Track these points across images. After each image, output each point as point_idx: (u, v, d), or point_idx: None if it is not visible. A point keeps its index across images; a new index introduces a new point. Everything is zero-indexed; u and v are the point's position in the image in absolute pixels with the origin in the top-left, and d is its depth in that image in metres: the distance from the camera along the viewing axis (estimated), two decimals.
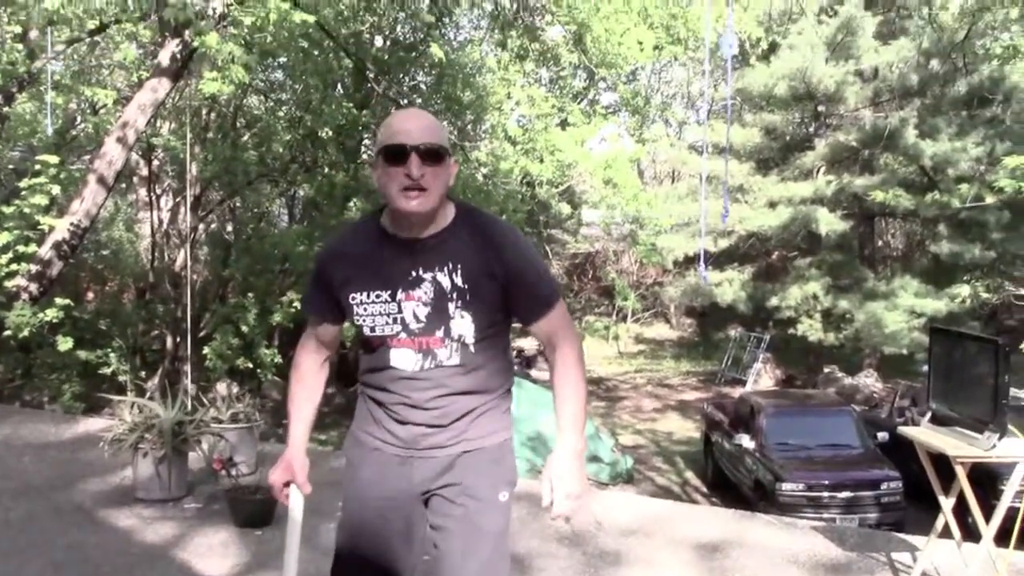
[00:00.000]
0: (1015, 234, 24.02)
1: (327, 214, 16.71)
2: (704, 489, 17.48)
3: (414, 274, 2.70)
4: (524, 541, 5.09)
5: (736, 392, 23.00)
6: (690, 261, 27.49)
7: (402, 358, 2.75)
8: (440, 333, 2.72)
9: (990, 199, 8.78)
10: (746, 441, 15.65)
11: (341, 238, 2.89)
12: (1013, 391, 18.94)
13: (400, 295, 2.72)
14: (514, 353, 30.50)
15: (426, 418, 2.78)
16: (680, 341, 36.40)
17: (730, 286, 26.90)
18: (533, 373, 26.62)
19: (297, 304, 14.69)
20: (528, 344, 31.03)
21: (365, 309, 2.75)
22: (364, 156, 18.44)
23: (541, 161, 16.84)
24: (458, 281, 2.70)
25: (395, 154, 2.61)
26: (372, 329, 2.75)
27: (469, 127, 19.40)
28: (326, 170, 17.27)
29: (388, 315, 2.74)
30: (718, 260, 27.95)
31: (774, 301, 26.09)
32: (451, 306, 2.70)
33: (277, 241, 17.10)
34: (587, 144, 18.00)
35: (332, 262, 2.81)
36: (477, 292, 2.70)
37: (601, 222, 23.43)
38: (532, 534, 5.21)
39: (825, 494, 14.31)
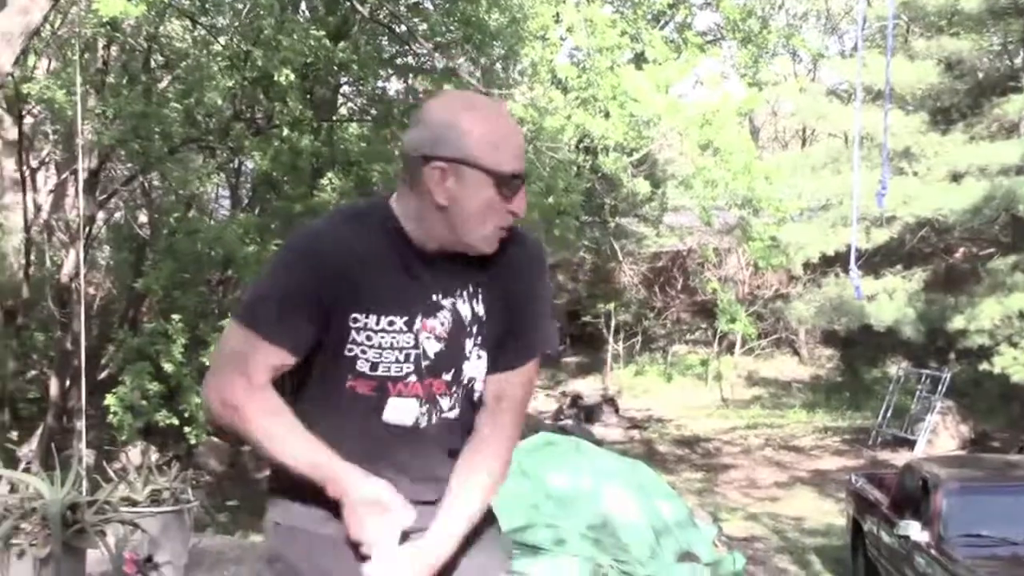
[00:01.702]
0: None
1: (288, 196, 16.84)
2: None
3: (433, 298, 2.92)
4: None
5: (900, 459, 22.90)
6: (830, 263, 27.46)
7: (401, 409, 2.92)
8: (448, 376, 2.95)
9: None
10: (915, 532, 15.61)
11: (344, 227, 2.96)
12: None
13: (417, 324, 2.90)
14: (568, 400, 30.61)
15: (414, 491, 2.95)
16: (815, 383, 36.36)
17: (891, 300, 26.85)
18: (596, 430, 26.70)
19: None
20: (587, 388, 31.13)
21: (369, 339, 2.87)
22: (342, 110, 18.54)
23: (606, 116, 16.87)
24: (478, 309, 2.97)
25: (509, 183, 2.87)
26: (374, 367, 2.88)
27: (499, 66, 19.49)
28: (285, 131, 17.34)
29: (401, 350, 2.90)
30: (872, 261, 27.91)
31: (959, 322, 25.99)
32: (468, 342, 2.97)
33: (215, 237, 17.15)
34: (675, 90, 18.00)
35: (337, 261, 2.87)
36: (494, 324, 2.99)
37: (696, 206, 23.42)
38: None
39: None
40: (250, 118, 18.01)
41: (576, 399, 30.72)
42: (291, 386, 2.95)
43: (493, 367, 3.03)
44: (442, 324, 2.90)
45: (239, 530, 17.00)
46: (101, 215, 19.40)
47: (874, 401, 30.82)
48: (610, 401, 30.52)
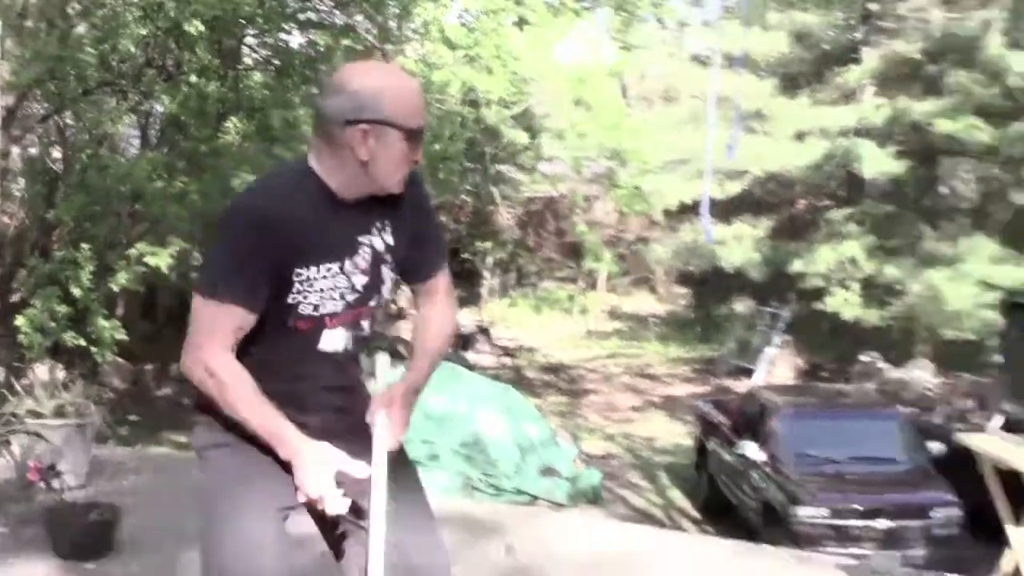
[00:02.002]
0: None
1: (195, 137, 16.58)
2: (694, 513, 17.68)
3: (357, 239, 3.18)
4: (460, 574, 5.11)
5: (742, 386, 23.21)
6: (686, 211, 27.61)
7: (333, 338, 3.18)
8: (372, 302, 3.25)
9: None
10: (753, 451, 15.82)
11: (284, 195, 3.11)
12: None
13: (348, 265, 3.16)
14: None
15: (337, 401, 3.29)
16: (670, 318, 36.63)
17: (739, 245, 27.11)
18: (471, 357, 26.72)
19: (151, 261, 14.52)
20: (464, 319, 31.08)
21: (311, 286, 3.10)
22: (247, 60, 18.25)
23: (490, 72, 16.79)
24: (388, 240, 3.24)
25: (416, 136, 3.14)
26: (315, 308, 3.12)
27: (393, 24, 19.29)
28: (194, 78, 17.08)
29: (336, 289, 3.14)
30: (724, 210, 28.10)
31: (798, 266, 26.34)
32: (384, 268, 3.25)
33: (125, 173, 16.83)
34: (553, 51, 17.95)
35: (282, 226, 3.04)
36: (401, 248, 3.27)
37: (569, 157, 23.43)
38: (471, 566, 5.23)
39: (856, 523, 14.54)
40: (161, 65, 17.65)
41: None
42: None
43: (416, 279, 3.37)
44: (364, 259, 3.15)
45: (138, 443, 16.82)
46: (16, 151, 18.96)
47: (721, 335, 31.15)
48: (484, 331, 30.52)
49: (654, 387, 27.58)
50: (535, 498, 15.16)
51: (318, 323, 3.12)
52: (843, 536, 14.39)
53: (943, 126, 15.34)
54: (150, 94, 17.89)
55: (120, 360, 17.19)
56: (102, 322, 15.34)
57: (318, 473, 3.04)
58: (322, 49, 16.88)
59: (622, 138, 18.78)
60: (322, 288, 3.10)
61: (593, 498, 16.75)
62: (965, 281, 24.04)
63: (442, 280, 3.41)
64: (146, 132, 22.10)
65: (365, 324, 3.23)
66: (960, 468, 15.61)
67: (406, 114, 3.12)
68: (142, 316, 22.56)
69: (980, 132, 21.31)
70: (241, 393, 3.05)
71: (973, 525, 14.01)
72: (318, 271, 3.08)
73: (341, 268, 3.13)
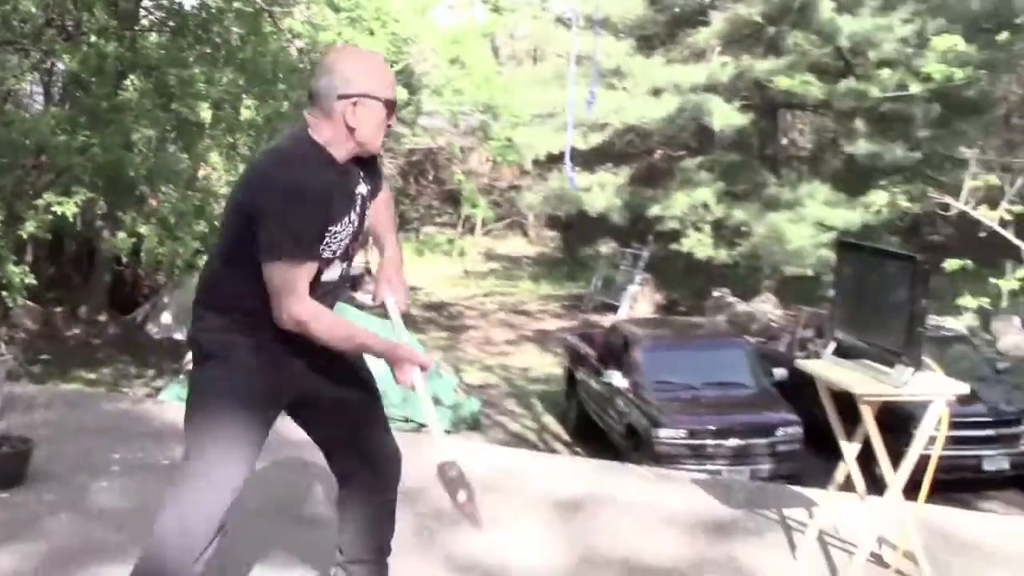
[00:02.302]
0: (945, 132, 24.89)
1: (95, 95, 16.23)
2: (566, 437, 17.84)
3: (353, 191, 3.58)
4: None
5: (607, 320, 23.40)
6: (553, 160, 27.67)
7: (334, 270, 3.57)
8: (361, 237, 3.68)
9: (915, 88, 9.07)
10: (617, 379, 15.98)
11: (315, 169, 3.47)
12: (936, 319, 19.80)
13: (352, 214, 3.56)
14: None
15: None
16: (540, 258, 36.79)
17: (602, 191, 27.25)
18: (359, 296, 26.57)
19: (58, 209, 14.22)
20: (353, 262, 30.87)
21: (335, 237, 3.50)
22: (143, 21, 17.88)
23: (371, 33, 16.62)
24: (368, 187, 3.68)
25: (391, 105, 3.56)
26: (333, 252, 3.52)
27: None
28: (93, 38, 16.69)
29: (345, 234, 3.55)
30: (588, 160, 28.23)
31: (655, 210, 26.56)
32: (366, 210, 3.68)
33: (29, 128, 16.46)
34: (430, 14, 17.83)
35: (323, 196, 3.43)
36: (374, 192, 3.75)
37: (446, 111, 23.33)
38: None
39: (710, 442, 14.79)
40: (61, 25, 17.23)
41: None
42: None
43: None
44: (358, 206, 3.59)
45: (50, 380, 16.57)
46: None
47: (588, 274, 31.31)
48: (371, 272, 30.41)
49: (527, 322, 27.70)
50: (421, 425, 15.19)
51: (332, 260, 3.53)
52: (699, 454, 14.64)
53: (782, 83, 15.62)
54: (51, 53, 17.47)
55: (30, 303, 16.84)
56: (12, 268, 14.98)
57: (416, 355, 3.54)
58: (214, 11, 16.52)
59: (494, 94, 18.75)
60: (340, 237, 3.51)
61: (473, 424, 16.84)
62: (803, 223, 24.47)
63: (384, 194, 3.90)
64: (49, 89, 21.58)
65: (352, 254, 3.66)
66: (800, 391, 15.98)
67: (383, 87, 3.55)
68: (50, 262, 22.16)
69: (814, 88, 21.57)
70: (340, 327, 3.50)
71: (812, 441, 14.33)
72: (340, 225, 3.49)
73: (349, 219, 3.53)
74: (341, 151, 3.53)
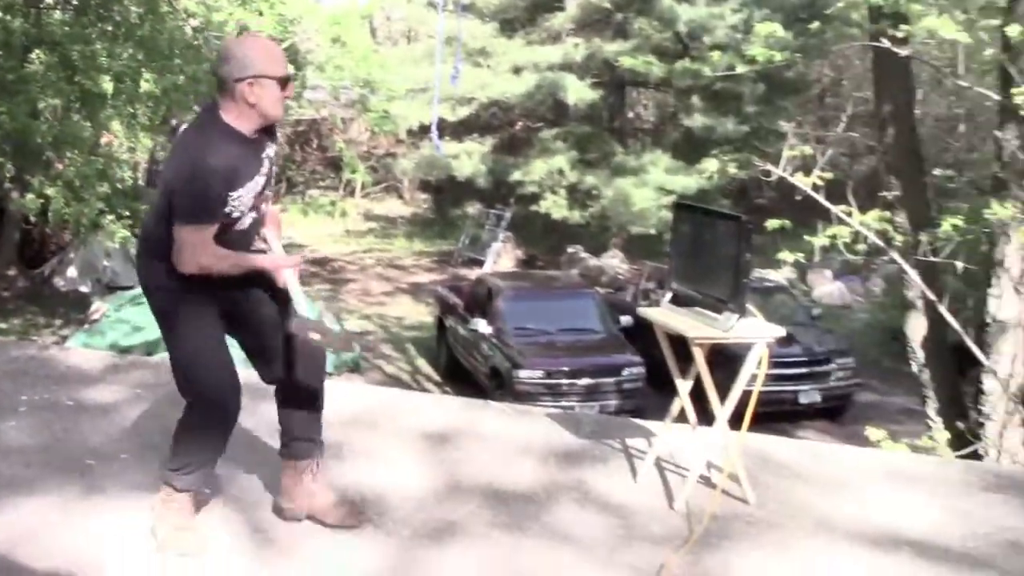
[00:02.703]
0: (769, 108, 25.39)
1: (2, 67, 15.68)
2: (437, 378, 17.87)
3: (260, 157, 3.85)
4: (242, 434, 5.07)
5: (473, 274, 23.44)
6: (425, 131, 27.46)
7: (243, 221, 3.85)
8: (266, 192, 3.95)
9: (742, 69, 9.22)
10: (482, 326, 16.04)
11: (223, 151, 3.71)
12: (759, 272, 20.18)
13: (258, 176, 3.84)
14: None
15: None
16: (413, 218, 36.62)
17: (469, 159, 27.19)
18: None
19: None
20: None
21: (240, 200, 3.77)
22: (48, 0, 17.32)
23: (260, 14, 16.33)
24: (273, 150, 3.96)
25: (285, 80, 3.81)
26: (241, 209, 3.80)
27: None
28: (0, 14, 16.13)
29: (251, 193, 3.82)
30: (456, 130, 28.14)
31: (516, 175, 26.61)
32: (272, 169, 3.96)
33: None
34: None
35: (225, 169, 3.70)
36: (277, 156, 4.06)
37: (328, 85, 23.04)
38: (247, 429, 5.19)
39: (564, 381, 14.93)
40: None
41: None
42: None
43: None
44: (264, 167, 3.86)
45: None
46: None
47: (456, 232, 31.28)
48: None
49: (402, 276, 27.61)
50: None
51: (242, 216, 3.82)
52: (555, 392, 14.78)
53: (627, 62, 15.69)
54: None
55: None
56: None
57: (285, 261, 4.02)
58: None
59: (372, 70, 18.60)
60: (244, 196, 3.78)
61: (354, 367, 16.74)
62: (646, 187, 24.74)
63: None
64: None
65: (262, 206, 3.94)
66: (643, 335, 16.20)
67: (275, 66, 3.80)
68: None
69: (656, 68, 21.73)
70: (225, 260, 3.79)
71: (653, 379, 14.55)
72: (244, 188, 3.77)
73: (254, 180, 3.81)
74: (248, 125, 3.79)
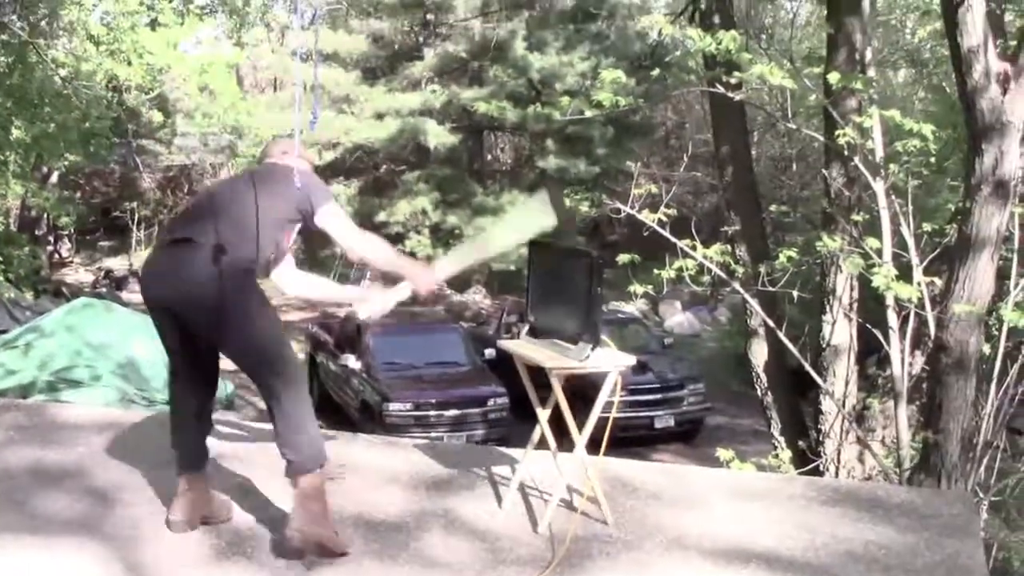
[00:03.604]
0: (618, 149, 25.88)
1: None
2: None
3: None
4: (103, 473, 4.94)
5: (343, 311, 23.23)
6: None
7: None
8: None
9: (590, 113, 9.36)
10: (352, 361, 15.93)
11: None
12: (613, 304, 20.42)
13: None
14: (103, 274, 29.24)
15: None
16: None
17: (336, 201, 27.03)
18: (125, 296, 25.66)
19: None
20: (117, 264, 29.84)
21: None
22: None
23: (129, 64, 16.07)
24: None
25: None
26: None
27: (44, 23, 18.12)
28: None
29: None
30: (323, 173, 27.88)
31: (382, 216, 26.56)
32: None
33: None
34: (181, 47, 17.39)
35: None
36: None
37: (197, 132, 22.76)
38: (124, 466, 5.05)
39: (432, 413, 14.90)
40: None
41: (108, 272, 29.43)
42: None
43: None
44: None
45: None
46: None
47: (325, 271, 30.98)
48: (135, 274, 29.29)
49: None
50: None
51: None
52: (423, 423, 14.75)
53: (481, 107, 15.87)
54: None
55: None
56: None
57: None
58: None
59: (240, 117, 18.42)
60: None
61: (228, 405, 16.44)
62: (506, 227, 24.86)
63: None
64: None
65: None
66: (506, 367, 16.26)
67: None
68: None
69: (510, 113, 21.99)
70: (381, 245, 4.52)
71: (516, 409, 14.61)
72: None
73: None
74: None
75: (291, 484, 4.05)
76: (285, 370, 4.06)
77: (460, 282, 27.15)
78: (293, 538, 3.94)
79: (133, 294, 27.13)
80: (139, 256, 33.05)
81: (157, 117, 25.09)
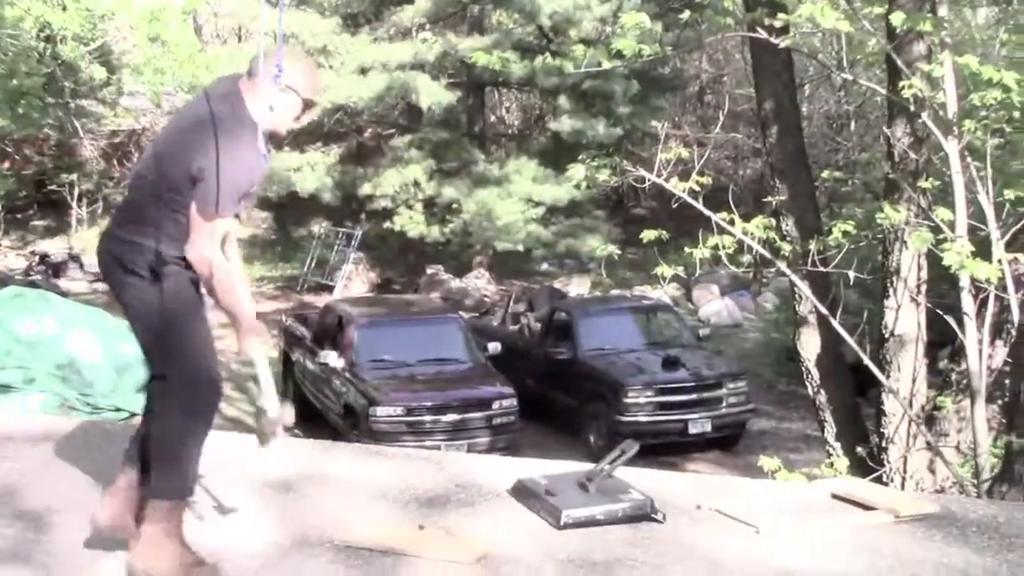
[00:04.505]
0: (643, 108, 25.79)
1: None
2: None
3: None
4: (37, 492, 4.96)
5: (321, 301, 23.27)
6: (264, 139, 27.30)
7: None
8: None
9: (607, 64, 9.30)
10: (333, 359, 15.93)
11: (254, 144, 4.09)
12: (639, 290, 20.39)
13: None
14: (36, 259, 29.27)
15: None
16: (252, 240, 36.16)
17: (312, 171, 27.04)
18: (63, 284, 25.72)
19: None
20: (53, 247, 29.89)
21: (247, 199, 4.25)
22: None
23: (64, 8, 16.04)
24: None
25: (310, 106, 4.31)
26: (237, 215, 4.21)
27: None
28: None
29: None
30: (297, 139, 27.96)
31: (367, 189, 26.53)
32: None
33: None
34: None
35: (253, 168, 4.19)
36: None
37: (148, 91, 22.71)
38: (64, 479, 5.08)
39: (428, 418, 14.91)
40: None
41: (44, 257, 29.45)
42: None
43: None
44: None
45: None
46: None
47: (301, 254, 31.06)
48: (75, 258, 29.35)
49: None
50: (133, 414, 14.79)
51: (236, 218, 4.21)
52: (417, 430, 14.75)
53: (479, 59, 15.64)
54: None
55: None
56: None
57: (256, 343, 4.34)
58: None
59: (198, 72, 18.36)
60: (250, 198, 4.25)
61: None
62: (512, 199, 24.90)
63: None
64: None
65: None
66: (513, 363, 16.29)
67: (315, 89, 4.32)
68: None
69: (516, 65, 21.94)
70: (227, 273, 4.13)
71: (525, 413, 14.64)
72: (254, 190, 4.30)
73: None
74: (261, 126, 4.10)
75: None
76: (190, 377, 4.24)
77: (460, 266, 27.20)
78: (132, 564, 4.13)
79: (73, 282, 27.22)
80: (80, 237, 33.09)
81: (99, 73, 25.02)
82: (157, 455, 4.14)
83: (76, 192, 33.54)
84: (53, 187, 32.95)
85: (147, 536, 4.10)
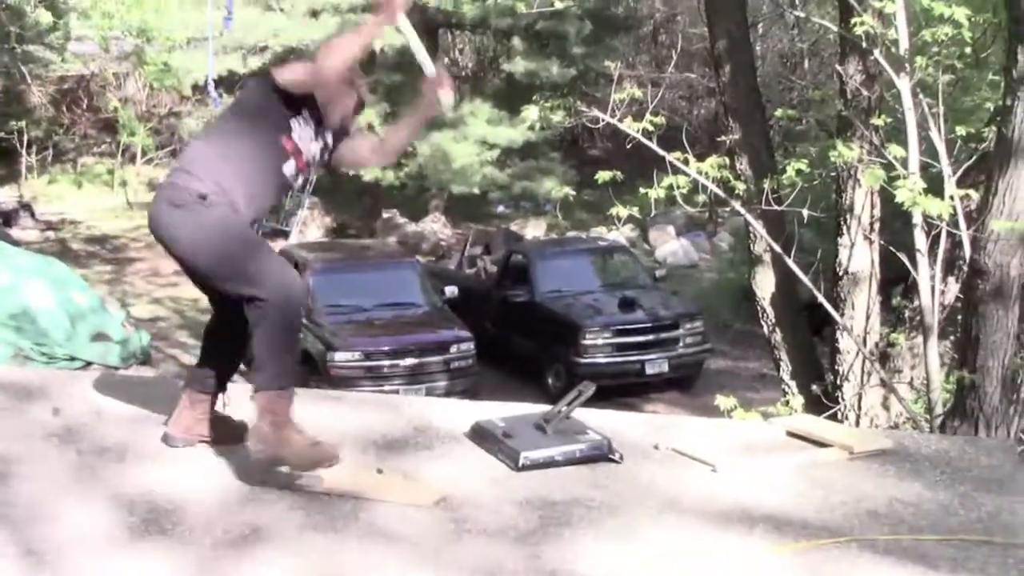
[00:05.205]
0: (597, 48, 25.70)
1: None
2: (243, 367, 17.63)
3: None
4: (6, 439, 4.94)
5: (277, 246, 23.16)
6: (216, 85, 27.06)
7: (288, 164, 4.80)
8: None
9: (562, 4, 9.26)
10: None
11: None
12: (596, 231, 20.41)
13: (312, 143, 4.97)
14: None
15: None
16: None
17: None
18: (15, 233, 25.50)
19: None
20: (3, 196, 29.63)
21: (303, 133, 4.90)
22: None
23: None
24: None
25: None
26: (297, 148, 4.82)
27: None
28: None
29: (306, 146, 4.97)
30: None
31: None
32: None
33: None
34: None
35: None
36: None
37: (96, 36, 22.44)
38: (17, 431, 5.05)
39: (386, 363, 14.95)
40: None
41: None
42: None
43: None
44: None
45: None
46: None
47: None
48: (26, 207, 29.08)
49: None
50: (89, 363, 14.75)
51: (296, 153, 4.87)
52: (375, 375, 14.79)
53: (434, 1, 15.48)
54: None
55: None
56: None
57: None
58: None
59: (146, 16, 18.17)
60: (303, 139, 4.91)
61: (144, 358, 16.47)
62: (467, 141, 24.82)
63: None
64: None
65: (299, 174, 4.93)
66: (471, 307, 16.31)
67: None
68: None
69: (468, 7, 21.79)
70: (345, 44, 4.75)
71: (483, 356, 14.67)
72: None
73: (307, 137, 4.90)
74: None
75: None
76: (273, 285, 4.47)
77: (416, 209, 27.10)
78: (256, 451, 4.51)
79: (25, 231, 26.98)
80: (30, 185, 32.76)
81: (45, 18, 24.68)
82: (260, 356, 4.49)
83: (25, 139, 33.15)
84: (2, 135, 32.56)
85: (262, 431, 4.43)
